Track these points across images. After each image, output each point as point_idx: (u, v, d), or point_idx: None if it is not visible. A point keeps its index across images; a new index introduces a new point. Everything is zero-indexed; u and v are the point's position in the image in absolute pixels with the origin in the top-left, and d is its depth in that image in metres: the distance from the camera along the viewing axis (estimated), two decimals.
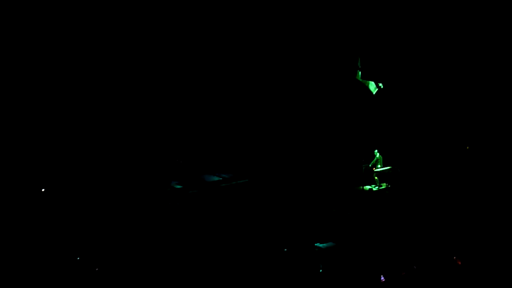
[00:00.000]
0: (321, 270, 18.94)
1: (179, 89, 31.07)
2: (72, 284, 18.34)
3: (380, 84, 25.66)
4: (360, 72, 24.67)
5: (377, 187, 24.92)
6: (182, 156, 30.23)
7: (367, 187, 25.10)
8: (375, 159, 25.28)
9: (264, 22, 28.75)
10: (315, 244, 21.27)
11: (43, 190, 25.68)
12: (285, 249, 20.39)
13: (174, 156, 30.21)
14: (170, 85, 31.04)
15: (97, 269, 18.78)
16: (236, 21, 29.72)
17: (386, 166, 25.36)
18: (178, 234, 22.01)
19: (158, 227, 22.39)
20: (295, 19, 28.57)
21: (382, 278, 18.15)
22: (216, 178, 28.45)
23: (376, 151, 25.47)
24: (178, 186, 27.52)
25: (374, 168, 25.25)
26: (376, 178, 25.01)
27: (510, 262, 18.57)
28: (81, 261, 19.45)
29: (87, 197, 24.98)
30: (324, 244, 21.35)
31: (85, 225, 22.23)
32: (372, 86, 25.74)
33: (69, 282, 18.45)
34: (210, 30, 29.95)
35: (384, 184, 24.89)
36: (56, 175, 26.83)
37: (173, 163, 29.61)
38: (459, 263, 19.00)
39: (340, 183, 25.88)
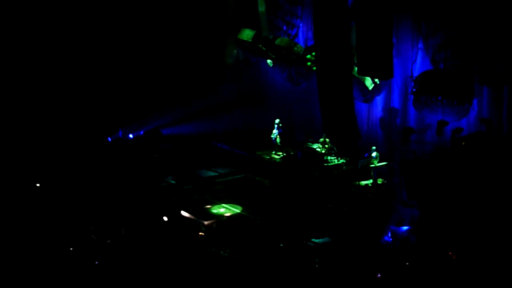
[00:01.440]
0: (316, 266, 18.91)
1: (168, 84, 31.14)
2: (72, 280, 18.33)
3: (376, 80, 25.63)
4: (356, 68, 24.63)
5: (373, 183, 24.96)
6: (178, 151, 30.21)
7: (363, 182, 25.10)
8: (372, 155, 25.31)
9: None
10: (311, 240, 21.27)
11: (37, 184, 25.62)
12: (281, 244, 20.36)
13: (169, 151, 30.19)
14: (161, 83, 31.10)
15: (97, 262, 18.75)
16: None
17: (382, 162, 25.39)
18: (173, 231, 21.96)
19: (153, 224, 22.31)
20: None
21: (378, 274, 18.15)
22: (211, 173, 28.41)
23: (373, 147, 25.48)
24: (173, 182, 27.47)
25: (370, 164, 25.26)
26: (372, 174, 25.02)
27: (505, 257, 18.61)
28: (77, 256, 19.38)
29: (81, 193, 24.87)
30: (320, 240, 21.35)
31: (79, 222, 22.10)
32: (369, 82, 25.71)
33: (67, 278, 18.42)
34: None
35: (380, 179, 24.89)
36: (48, 171, 26.77)
37: (169, 158, 29.57)
38: (454, 257, 19.02)
39: (336, 179, 25.85)
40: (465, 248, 19.41)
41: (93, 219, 22.13)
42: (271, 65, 29.96)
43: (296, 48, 27.94)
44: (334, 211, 23.83)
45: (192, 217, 23.77)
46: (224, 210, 24.59)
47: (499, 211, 20.34)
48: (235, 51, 31.13)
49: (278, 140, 28.60)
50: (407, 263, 18.79)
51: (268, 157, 28.54)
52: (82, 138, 29.36)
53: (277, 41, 28.29)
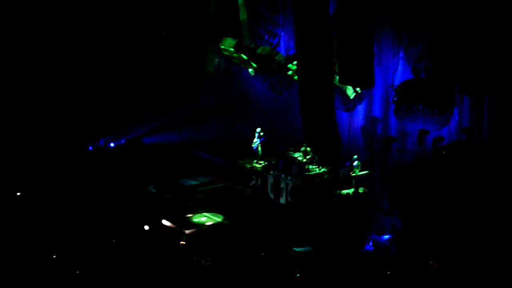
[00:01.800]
0: (298, 275, 18.90)
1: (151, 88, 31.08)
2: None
3: (358, 89, 25.71)
4: (338, 77, 24.68)
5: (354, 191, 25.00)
6: (159, 160, 30.12)
7: (345, 191, 25.13)
8: (353, 164, 25.35)
9: None
10: (293, 248, 21.25)
11: (18, 194, 25.44)
12: (263, 253, 20.34)
13: (150, 160, 30.09)
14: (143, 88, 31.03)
15: (77, 272, 18.64)
16: None
17: (364, 171, 25.43)
18: (155, 240, 21.87)
19: (135, 233, 22.22)
20: None
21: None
22: (193, 182, 28.34)
23: (355, 156, 25.51)
24: (154, 190, 27.36)
25: (351, 173, 25.28)
26: (353, 182, 25.06)
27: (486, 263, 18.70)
28: (58, 265, 19.27)
29: (62, 201, 24.72)
30: (302, 248, 21.34)
31: (62, 230, 21.98)
32: (350, 91, 25.79)
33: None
34: None
35: (362, 188, 24.93)
36: (29, 180, 26.59)
37: (150, 166, 29.47)
38: (435, 266, 19.08)
39: (317, 188, 25.86)
40: (446, 257, 19.47)
41: (74, 228, 22.04)
42: (252, 74, 29.97)
43: (277, 57, 27.96)
44: (315, 220, 23.82)
45: (173, 226, 23.68)
46: (206, 219, 24.51)
47: (480, 219, 20.44)
48: (216, 60, 31.13)
49: (259, 149, 28.59)
50: (388, 272, 18.81)
51: (250, 166, 28.50)
52: (63, 146, 29.18)
53: (259, 50, 28.29)
